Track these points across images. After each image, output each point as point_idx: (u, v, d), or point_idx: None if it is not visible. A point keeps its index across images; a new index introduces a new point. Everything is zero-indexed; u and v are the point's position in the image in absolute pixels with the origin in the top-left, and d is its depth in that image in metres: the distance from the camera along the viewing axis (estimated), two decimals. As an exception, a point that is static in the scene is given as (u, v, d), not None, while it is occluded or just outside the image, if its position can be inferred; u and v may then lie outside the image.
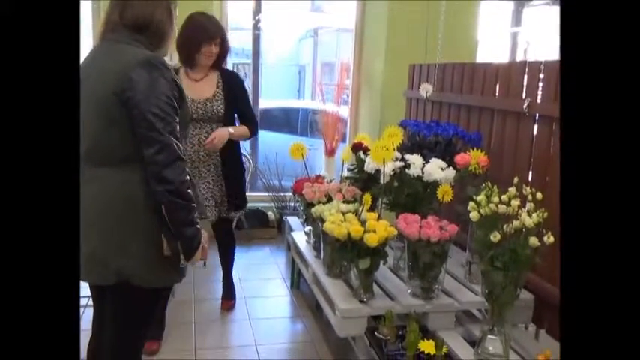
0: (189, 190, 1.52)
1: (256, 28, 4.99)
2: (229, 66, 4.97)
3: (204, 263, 2.23)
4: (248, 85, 4.21)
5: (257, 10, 4.96)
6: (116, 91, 1.48)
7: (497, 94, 2.79)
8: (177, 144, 1.49)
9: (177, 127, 1.52)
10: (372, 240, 2.16)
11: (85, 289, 2.48)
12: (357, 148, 2.93)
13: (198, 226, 1.58)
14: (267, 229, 4.59)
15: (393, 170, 2.57)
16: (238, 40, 7.13)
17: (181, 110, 1.58)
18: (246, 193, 3.07)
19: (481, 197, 1.94)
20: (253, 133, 2.92)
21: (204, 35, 2.69)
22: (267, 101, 6.04)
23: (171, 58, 3.13)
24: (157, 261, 1.59)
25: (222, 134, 2.75)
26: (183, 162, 1.50)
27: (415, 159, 2.57)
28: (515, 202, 1.88)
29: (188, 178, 1.53)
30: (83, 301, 2.61)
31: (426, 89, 3.43)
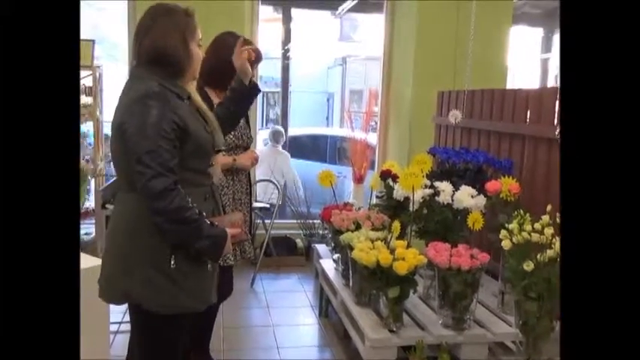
0: (188, 213, 1.51)
1: (286, 57, 5.08)
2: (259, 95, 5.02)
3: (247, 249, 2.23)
4: (277, 112, 4.24)
5: (287, 40, 5.06)
6: (120, 123, 1.56)
7: (528, 120, 2.76)
8: (167, 175, 1.48)
9: (173, 158, 1.51)
10: (401, 268, 2.13)
11: (115, 314, 2.52)
12: (385, 175, 2.93)
13: (210, 232, 1.56)
14: (296, 256, 4.58)
15: (422, 197, 2.54)
16: (268, 69, 7.27)
17: (193, 139, 1.58)
18: (275, 220, 2.94)
19: (513, 225, 1.91)
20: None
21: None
22: (296, 129, 6.10)
23: None
24: (164, 286, 1.58)
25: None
26: (173, 191, 1.49)
27: (445, 186, 2.55)
28: (549, 230, 1.83)
29: (185, 202, 1.51)
30: (114, 327, 2.64)
31: (455, 116, 3.41)
